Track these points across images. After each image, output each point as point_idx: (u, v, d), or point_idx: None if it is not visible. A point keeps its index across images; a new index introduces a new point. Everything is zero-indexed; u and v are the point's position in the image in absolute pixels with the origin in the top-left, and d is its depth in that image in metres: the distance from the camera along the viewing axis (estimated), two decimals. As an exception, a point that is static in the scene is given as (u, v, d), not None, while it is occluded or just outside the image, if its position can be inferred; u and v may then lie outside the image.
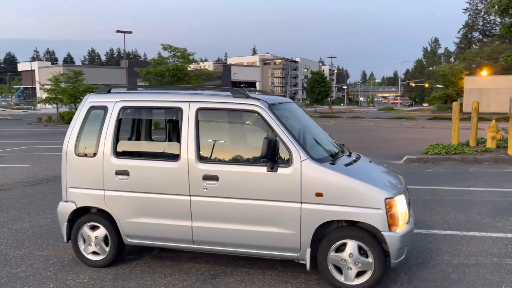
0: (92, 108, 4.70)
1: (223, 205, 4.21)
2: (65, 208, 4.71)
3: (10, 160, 13.08)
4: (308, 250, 4.05)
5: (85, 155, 4.62)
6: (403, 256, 4.02)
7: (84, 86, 34.58)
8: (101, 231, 4.63)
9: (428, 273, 4.47)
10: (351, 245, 3.98)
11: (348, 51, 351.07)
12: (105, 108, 4.64)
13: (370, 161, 4.76)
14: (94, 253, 4.69)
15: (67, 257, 4.93)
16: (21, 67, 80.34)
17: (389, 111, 62.28)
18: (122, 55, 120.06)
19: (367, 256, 3.96)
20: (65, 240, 4.77)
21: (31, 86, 69.89)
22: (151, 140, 5.41)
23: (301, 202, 4.03)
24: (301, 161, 4.02)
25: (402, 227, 3.98)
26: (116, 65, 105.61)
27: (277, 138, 4.07)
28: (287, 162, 4.06)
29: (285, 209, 4.06)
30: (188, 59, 25.36)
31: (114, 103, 4.62)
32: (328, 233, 4.07)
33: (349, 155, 4.64)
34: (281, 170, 4.05)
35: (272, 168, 4.06)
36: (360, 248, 3.97)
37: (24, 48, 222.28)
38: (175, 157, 4.39)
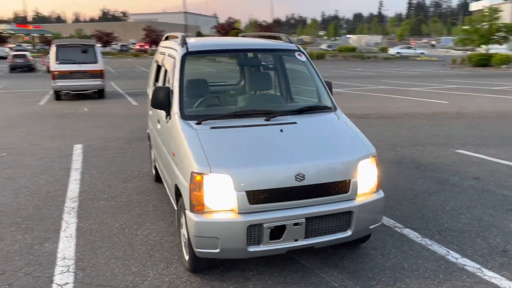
0: None
1: (161, 151, 4.52)
2: None
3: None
4: (176, 210, 3.87)
5: None
6: (215, 251, 3.13)
7: (496, 25, 31.41)
8: None
9: None
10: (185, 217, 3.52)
11: None
12: None
13: (304, 130, 3.59)
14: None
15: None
16: (473, 6, 79.11)
17: None
18: None
19: None
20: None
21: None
22: None
23: (171, 158, 3.85)
24: (173, 115, 3.80)
25: (215, 213, 3.12)
26: None
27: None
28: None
29: (169, 162, 3.98)
30: None
31: None
32: None
33: (267, 119, 3.63)
34: (170, 122, 3.96)
35: (165, 119, 4.03)
36: None
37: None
38: None
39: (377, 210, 3.49)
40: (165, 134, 4.14)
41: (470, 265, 3.56)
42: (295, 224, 3.19)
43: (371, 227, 3.51)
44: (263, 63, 4.77)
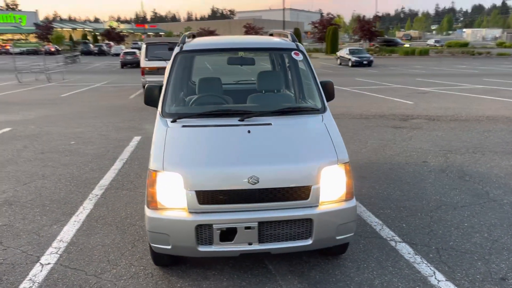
0: None
1: None
2: None
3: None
4: None
5: None
6: (167, 247, 3.19)
7: None
8: None
9: None
10: None
11: None
12: None
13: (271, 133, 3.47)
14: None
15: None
16: None
17: None
18: None
19: None
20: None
21: None
22: None
23: None
24: (157, 112, 3.94)
25: (168, 210, 3.18)
26: None
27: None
28: None
29: None
30: None
31: None
32: None
33: (241, 120, 3.58)
34: None
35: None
36: None
37: None
38: None
39: (345, 220, 3.27)
40: None
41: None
42: (247, 228, 3.12)
43: (338, 237, 3.29)
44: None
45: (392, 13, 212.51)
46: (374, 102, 13.32)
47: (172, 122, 3.64)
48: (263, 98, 4.54)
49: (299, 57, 4.27)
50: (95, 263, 3.69)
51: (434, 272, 3.42)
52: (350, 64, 32.59)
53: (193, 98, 4.27)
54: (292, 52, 4.29)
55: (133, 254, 3.83)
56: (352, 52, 33.64)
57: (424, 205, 4.84)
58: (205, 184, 3.12)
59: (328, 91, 4.17)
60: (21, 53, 56.65)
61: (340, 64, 34.69)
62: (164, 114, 3.77)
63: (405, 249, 3.81)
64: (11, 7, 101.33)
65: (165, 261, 3.54)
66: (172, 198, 3.17)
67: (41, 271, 3.56)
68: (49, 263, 3.69)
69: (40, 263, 3.70)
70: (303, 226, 3.20)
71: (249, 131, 3.47)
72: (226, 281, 3.37)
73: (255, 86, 5.45)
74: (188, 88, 5.09)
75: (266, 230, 3.16)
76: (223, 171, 3.15)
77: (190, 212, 3.14)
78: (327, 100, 4.18)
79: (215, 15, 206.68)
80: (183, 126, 3.58)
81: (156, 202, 3.20)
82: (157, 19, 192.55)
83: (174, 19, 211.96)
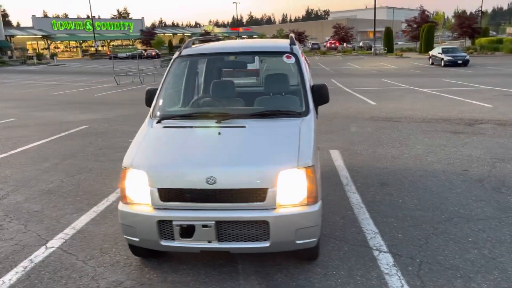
0: None
1: None
2: None
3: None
4: None
5: None
6: (135, 239, 3.44)
7: None
8: None
9: None
10: None
11: None
12: None
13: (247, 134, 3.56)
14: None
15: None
16: None
17: None
18: None
19: None
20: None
21: None
22: None
23: None
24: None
25: (136, 205, 3.41)
26: None
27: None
28: None
29: None
30: None
31: None
32: None
33: (218, 122, 3.69)
34: None
35: None
36: None
37: None
38: None
39: (304, 224, 3.23)
40: None
41: None
42: (204, 226, 3.24)
43: (298, 242, 3.27)
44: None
45: (505, 7, 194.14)
46: (446, 104, 12.47)
47: (157, 123, 3.88)
48: (266, 101, 4.60)
49: (291, 60, 4.27)
50: (89, 249, 4.06)
51: (402, 286, 3.23)
52: (442, 64, 30.59)
53: (193, 100, 4.49)
54: (284, 56, 4.31)
55: (125, 244, 4.13)
56: (445, 51, 31.50)
57: (435, 216, 4.52)
58: (167, 182, 3.30)
59: (322, 95, 4.11)
60: (126, 57, 61.83)
61: (432, 64, 32.68)
62: (152, 115, 4.03)
63: (385, 260, 3.63)
64: (123, 15, 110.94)
65: (142, 252, 3.79)
66: (139, 194, 3.40)
67: (43, 253, 4.02)
68: (52, 247, 4.14)
69: (46, 246, 4.16)
70: (260, 228, 3.23)
71: (219, 133, 3.58)
72: (191, 276, 3.52)
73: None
74: (194, 90, 5.31)
75: (224, 229, 3.25)
76: (183, 171, 3.31)
77: (154, 208, 3.34)
78: (321, 103, 4.14)
79: (310, 16, 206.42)
80: (164, 127, 3.80)
81: (126, 197, 3.45)
82: (253, 21, 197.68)
83: (269, 21, 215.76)
